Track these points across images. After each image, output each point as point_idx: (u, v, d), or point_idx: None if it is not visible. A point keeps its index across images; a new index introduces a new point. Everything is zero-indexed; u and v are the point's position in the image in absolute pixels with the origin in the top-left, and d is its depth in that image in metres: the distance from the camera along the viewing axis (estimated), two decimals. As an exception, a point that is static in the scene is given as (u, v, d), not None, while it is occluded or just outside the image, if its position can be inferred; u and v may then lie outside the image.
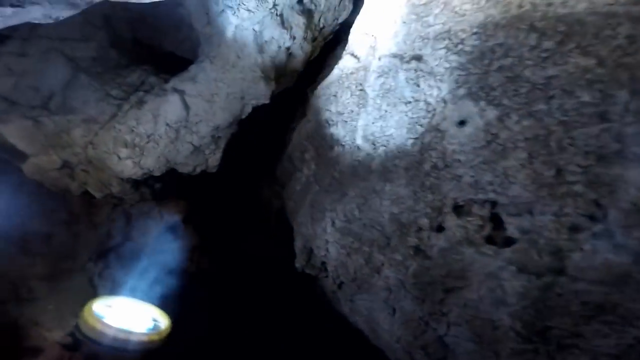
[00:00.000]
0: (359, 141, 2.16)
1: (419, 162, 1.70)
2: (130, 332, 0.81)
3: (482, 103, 1.53)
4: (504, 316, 1.31)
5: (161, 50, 2.99)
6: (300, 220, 2.40)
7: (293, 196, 2.77)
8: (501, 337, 1.34)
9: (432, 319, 1.42)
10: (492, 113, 1.48)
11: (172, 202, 3.46)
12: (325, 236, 1.99)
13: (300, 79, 3.59)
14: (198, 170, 2.60)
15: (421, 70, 1.83)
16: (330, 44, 3.58)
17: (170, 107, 2.33)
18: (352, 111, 2.29)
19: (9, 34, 2.20)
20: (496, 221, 1.45)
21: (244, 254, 4.20)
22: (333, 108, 2.47)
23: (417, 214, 1.56)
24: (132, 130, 2.19)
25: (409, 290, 1.49)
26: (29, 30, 2.25)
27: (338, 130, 2.37)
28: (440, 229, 1.51)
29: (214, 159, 2.59)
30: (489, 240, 1.43)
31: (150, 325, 0.99)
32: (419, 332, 1.46)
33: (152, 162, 2.27)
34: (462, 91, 1.62)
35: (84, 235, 3.12)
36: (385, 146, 1.95)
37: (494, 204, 1.45)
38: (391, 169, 1.80)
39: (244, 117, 2.73)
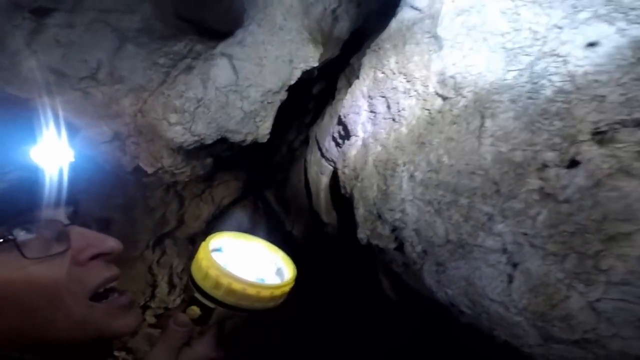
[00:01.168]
0: (434, 88, 1.74)
1: (532, 90, 1.27)
2: (265, 286, 0.51)
3: (621, 24, 1.12)
4: None
5: (202, 26, 2.74)
6: (364, 185, 2.02)
7: (349, 163, 2.40)
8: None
9: (581, 280, 0.99)
10: (637, 31, 1.08)
11: (223, 184, 3.21)
12: (401, 194, 1.59)
13: (345, 50, 3.21)
14: (249, 139, 2.29)
15: None
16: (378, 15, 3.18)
17: (219, 71, 2.03)
18: (420, 59, 1.88)
19: (55, 6, 2.00)
20: None
21: (293, 237, 3.91)
22: (393, 60, 2.07)
23: (538, 147, 1.13)
24: (182, 96, 1.91)
25: (539, 246, 1.06)
26: (74, 2, 2.04)
27: (402, 82, 1.97)
28: (573, 163, 1.08)
29: (264, 127, 2.27)
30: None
31: (275, 270, 0.68)
32: (559, 299, 1.03)
33: (202, 128, 1.98)
34: (584, 14, 1.22)
35: (140, 220, 2.92)
36: (473, 86, 1.52)
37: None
38: (488, 105, 1.38)
39: (293, 82, 2.39)
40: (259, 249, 0.66)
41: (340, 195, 3.11)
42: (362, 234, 2.05)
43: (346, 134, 2.53)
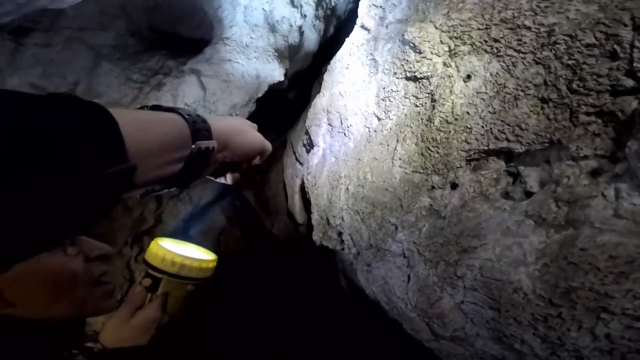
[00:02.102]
0: (372, 109, 2.07)
1: (429, 120, 1.59)
2: (197, 260, 0.83)
3: (487, 56, 1.43)
4: (523, 277, 1.19)
5: (176, 37, 3.03)
6: (318, 193, 2.37)
7: (311, 171, 2.73)
8: (521, 301, 1.23)
9: (447, 284, 1.33)
10: (497, 65, 1.39)
11: (200, 185, 3.56)
12: (340, 203, 1.95)
13: (317, 60, 3.52)
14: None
15: (425, 31, 1.72)
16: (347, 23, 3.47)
17: (188, 88, 2.36)
18: (364, 80, 2.20)
19: (33, 26, 2.32)
20: (512, 175, 1.34)
21: (269, 235, 4.26)
22: (346, 80, 2.40)
23: (429, 171, 1.47)
24: (152, 110, 2.25)
25: (422, 253, 1.41)
26: (51, 21, 2.36)
27: (351, 101, 2.29)
28: (454, 186, 1.41)
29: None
30: (506, 195, 1.32)
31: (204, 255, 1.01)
32: (435, 299, 1.38)
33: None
34: (466, 48, 1.52)
35: (119, 219, 3.29)
36: (396, 109, 1.85)
37: (509, 155, 1.35)
38: (402, 129, 1.71)
39: (260, 95, 2.71)
40: (191, 246, 0.99)
41: (306, 199, 3.46)
42: (316, 236, 2.41)
43: (310, 143, 2.87)
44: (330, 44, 3.56)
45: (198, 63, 2.45)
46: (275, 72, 2.67)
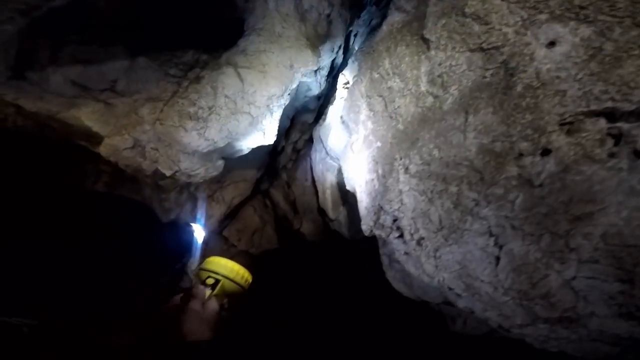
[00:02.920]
0: (425, 87, 1.89)
1: (506, 87, 1.40)
2: (247, 271, 0.99)
3: (572, 23, 1.26)
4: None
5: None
6: (364, 179, 2.17)
7: (350, 161, 2.54)
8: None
9: (555, 260, 1.12)
10: (586, 30, 1.22)
11: (232, 184, 3.39)
12: (398, 186, 1.74)
13: (343, 50, 3.35)
14: (256, 142, 2.46)
15: (490, 3, 1.55)
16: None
17: (227, 79, 2.20)
18: (411, 60, 2.02)
19: (71, 25, 2.19)
20: (614, 136, 1.15)
21: (298, 234, 4.07)
22: (387, 62, 2.22)
23: (514, 138, 1.27)
24: (194, 104, 2.09)
25: (518, 227, 1.19)
26: (88, 20, 2.23)
27: (396, 82, 2.11)
28: (546, 152, 1.21)
29: (270, 130, 2.44)
30: (612, 156, 1.12)
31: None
32: (538, 277, 1.16)
33: (215, 133, 2.16)
34: (543, 16, 1.35)
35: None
36: (458, 84, 1.66)
37: (610, 116, 1.15)
38: (471, 102, 1.52)
39: (294, 86, 2.55)
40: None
41: (345, 191, 3.26)
42: (366, 226, 2.20)
43: (348, 132, 2.68)
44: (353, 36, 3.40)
45: (233, 55, 2.29)
46: (309, 61, 2.50)
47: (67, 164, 2.79)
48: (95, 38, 2.13)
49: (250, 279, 0.99)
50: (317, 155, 3.67)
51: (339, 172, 3.30)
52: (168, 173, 2.22)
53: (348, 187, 2.55)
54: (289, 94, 2.56)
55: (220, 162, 2.49)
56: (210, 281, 0.93)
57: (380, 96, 2.23)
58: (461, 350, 2.76)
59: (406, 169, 1.69)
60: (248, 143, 2.43)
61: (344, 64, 3.39)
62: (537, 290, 1.16)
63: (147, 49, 2.28)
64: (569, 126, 1.19)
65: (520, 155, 1.24)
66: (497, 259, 1.31)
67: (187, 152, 2.19)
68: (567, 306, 1.13)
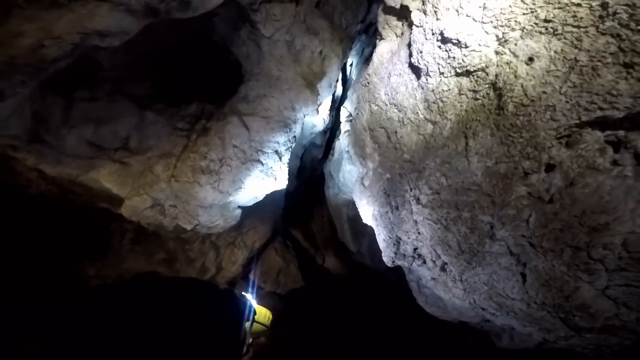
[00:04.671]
0: (422, 114, 1.95)
1: (498, 107, 1.44)
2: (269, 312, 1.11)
3: (544, 37, 1.32)
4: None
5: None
6: (378, 212, 2.19)
7: (363, 196, 2.57)
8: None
9: (582, 271, 1.09)
10: (558, 43, 1.27)
11: (252, 230, 3.45)
12: (413, 217, 1.76)
13: (341, 84, 3.49)
14: (270, 188, 2.54)
15: (464, 24, 1.63)
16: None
17: (233, 129, 2.33)
18: (405, 89, 2.10)
19: (77, 82, 2.36)
20: (612, 143, 1.16)
21: (321, 270, 4.04)
22: (382, 93, 2.30)
23: (516, 158, 1.29)
24: (205, 157, 2.21)
25: (537, 245, 1.19)
26: (93, 75, 2.41)
27: (396, 113, 2.18)
28: (550, 167, 1.22)
29: (281, 174, 2.52)
30: (615, 163, 1.12)
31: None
32: (569, 290, 1.13)
33: (229, 185, 2.25)
34: (516, 34, 1.42)
35: (183, 271, 3.18)
36: (453, 108, 1.71)
37: (603, 125, 1.17)
38: (468, 125, 1.56)
39: (298, 126, 2.66)
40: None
41: (363, 224, 3.27)
42: (387, 257, 2.19)
43: (356, 167, 2.74)
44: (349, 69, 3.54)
45: (236, 103, 2.42)
46: (309, 101, 2.62)
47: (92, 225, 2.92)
48: (102, 94, 2.29)
49: (270, 315, 1.09)
50: (329, 192, 3.72)
51: (353, 205, 3.32)
52: (189, 227, 2.30)
53: (364, 221, 2.57)
54: (294, 136, 2.66)
55: (238, 212, 2.57)
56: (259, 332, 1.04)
57: (382, 127, 2.30)
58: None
59: (417, 200, 1.71)
60: (261, 190, 2.51)
61: (344, 96, 3.50)
62: (572, 302, 1.13)
63: (153, 103, 2.45)
64: (567, 139, 1.21)
65: (526, 174, 1.26)
66: (523, 276, 1.29)
67: (205, 205, 2.28)
68: (608, 315, 1.10)
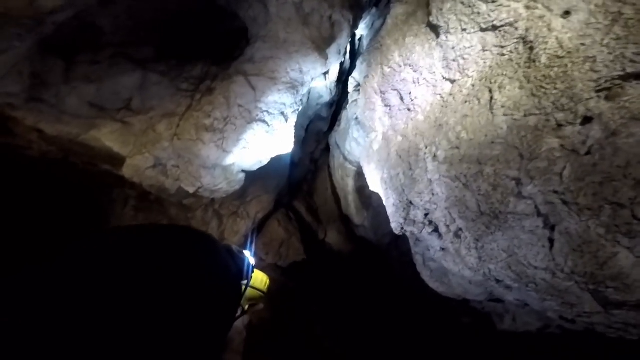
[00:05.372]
0: (441, 73, 1.79)
1: (529, 61, 1.29)
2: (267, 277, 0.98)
3: None
4: None
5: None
6: (388, 176, 2.06)
7: (372, 160, 2.44)
8: None
9: (622, 234, 0.97)
10: None
11: (255, 199, 3.35)
12: (427, 176, 1.63)
13: (350, 53, 3.30)
14: (274, 151, 2.42)
15: None
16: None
17: (238, 88, 2.18)
18: (422, 49, 1.94)
19: (78, 47, 2.22)
20: None
21: (323, 244, 3.96)
22: (396, 54, 2.14)
23: (548, 110, 1.15)
24: (209, 115, 2.07)
25: (572, 201, 1.06)
26: (94, 40, 2.26)
27: (410, 73, 2.02)
28: (587, 119, 1.08)
29: (286, 137, 2.39)
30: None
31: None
32: (605, 257, 1.01)
33: (233, 144, 2.13)
34: None
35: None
36: (476, 65, 1.56)
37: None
38: (493, 80, 1.40)
39: (305, 91, 2.51)
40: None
41: (368, 195, 3.14)
42: (396, 224, 2.07)
43: (365, 132, 2.60)
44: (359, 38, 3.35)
45: (242, 64, 2.28)
46: (318, 65, 2.46)
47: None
48: (104, 58, 2.16)
49: (268, 281, 0.97)
50: (334, 162, 3.59)
51: (359, 175, 3.20)
52: (191, 190, 2.19)
53: (372, 188, 2.45)
54: (301, 99, 2.51)
55: (242, 176, 2.46)
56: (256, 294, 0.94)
57: (395, 90, 2.15)
58: (509, 349, 2.53)
59: (434, 157, 1.58)
60: (266, 153, 2.39)
61: (352, 67, 3.34)
62: (607, 271, 1.01)
63: (156, 65, 2.30)
64: (607, 92, 1.06)
65: (559, 126, 1.12)
66: (551, 241, 1.17)
67: (208, 166, 2.17)
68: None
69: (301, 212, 4.01)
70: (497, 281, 1.48)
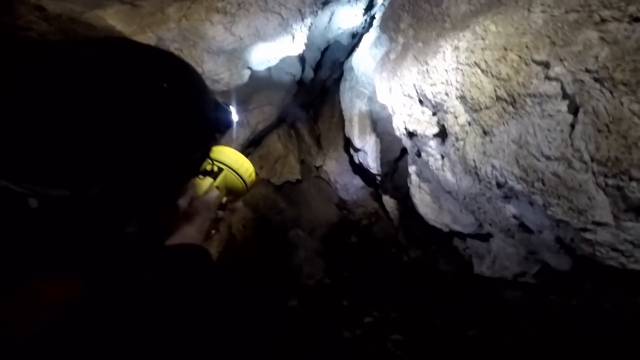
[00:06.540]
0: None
1: None
2: (252, 167, 0.81)
3: None
4: None
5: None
6: (402, 73, 1.94)
7: (385, 68, 2.28)
8: None
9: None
10: None
11: (258, 109, 3.23)
12: (444, 65, 1.51)
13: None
14: (284, 50, 2.27)
15: None
16: None
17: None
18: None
19: None
20: None
21: (323, 172, 3.94)
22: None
23: (593, 7, 1.04)
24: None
25: (606, 78, 0.95)
26: None
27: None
28: (636, 19, 0.98)
29: (300, 36, 2.23)
30: None
31: None
32: (635, 137, 0.91)
33: (242, 29, 1.98)
34: None
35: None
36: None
37: None
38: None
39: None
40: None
41: (375, 118, 3.05)
42: (399, 121, 1.98)
43: (385, 44, 2.45)
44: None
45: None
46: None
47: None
48: None
49: (254, 177, 0.84)
50: (346, 84, 3.44)
51: (370, 100, 3.09)
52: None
53: (379, 99, 2.34)
54: (322, 2, 2.31)
55: (246, 72, 2.32)
56: (213, 168, 0.78)
57: (427, 1, 1.97)
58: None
59: (455, 48, 1.47)
60: (276, 49, 2.24)
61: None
62: (635, 154, 0.93)
63: None
64: None
65: (603, 21, 1.02)
66: (572, 125, 1.09)
67: (212, 51, 2.04)
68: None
69: (303, 134, 3.91)
70: (499, 185, 1.45)
